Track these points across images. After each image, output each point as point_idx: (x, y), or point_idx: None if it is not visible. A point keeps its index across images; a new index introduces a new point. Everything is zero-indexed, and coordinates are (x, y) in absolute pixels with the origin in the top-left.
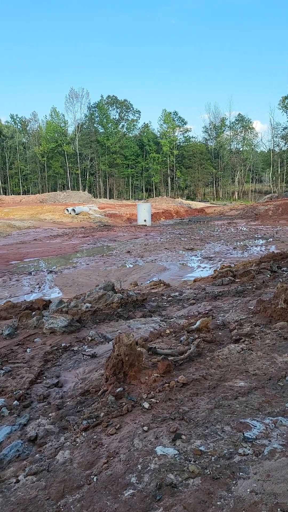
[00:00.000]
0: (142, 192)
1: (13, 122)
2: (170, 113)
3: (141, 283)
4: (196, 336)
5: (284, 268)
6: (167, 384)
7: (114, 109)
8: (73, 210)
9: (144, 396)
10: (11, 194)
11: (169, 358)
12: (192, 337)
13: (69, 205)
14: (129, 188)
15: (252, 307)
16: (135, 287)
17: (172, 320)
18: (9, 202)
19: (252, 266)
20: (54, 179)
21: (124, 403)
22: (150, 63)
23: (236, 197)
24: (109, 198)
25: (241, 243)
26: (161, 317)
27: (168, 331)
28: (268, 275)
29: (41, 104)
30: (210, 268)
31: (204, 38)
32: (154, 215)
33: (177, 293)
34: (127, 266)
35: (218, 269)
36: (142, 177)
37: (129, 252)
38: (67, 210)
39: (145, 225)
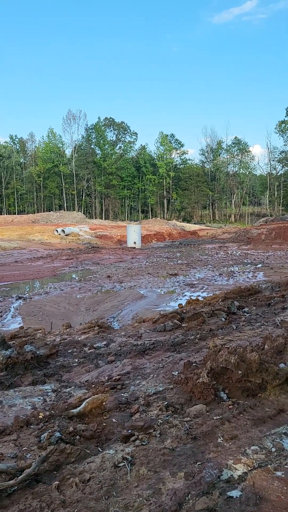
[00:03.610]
0: (139, 213)
1: (12, 143)
2: (167, 135)
3: (80, 323)
4: (71, 428)
5: (246, 309)
6: None
7: (111, 130)
8: (63, 230)
9: None
10: (6, 214)
11: None
12: (57, 434)
13: (60, 225)
14: (126, 209)
15: (177, 372)
16: (67, 329)
17: (68, 390)
18: (0, 222)
19: (219, 301)
20: (50, 199)
21: None
22: (148, 87)
23: (233, 220)
24: (105, 219)
25: (228, 269)
26: (57, 384)
27: (41, 415)
28: (223, 319)
29: (39, 125)
30: (190, 296)
31: (204, 64)
32: (146, 237)
33: (104, 343)
34: (103, 293)
35: (181, 306)
36: (138, 198)
37: (109, 277)
38: (57, 230)
39: (134, 248)
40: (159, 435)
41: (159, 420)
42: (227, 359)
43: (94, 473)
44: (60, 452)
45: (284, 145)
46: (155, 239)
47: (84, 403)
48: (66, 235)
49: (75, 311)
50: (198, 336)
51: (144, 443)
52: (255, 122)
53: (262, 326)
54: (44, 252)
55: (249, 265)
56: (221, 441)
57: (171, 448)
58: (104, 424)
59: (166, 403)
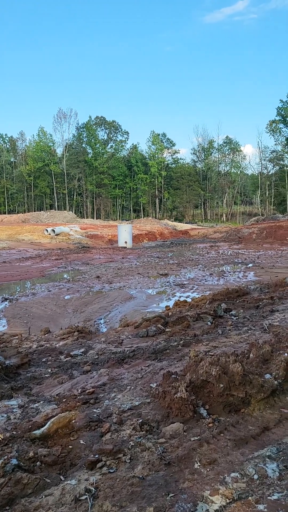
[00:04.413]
0: (130, 212)
1: (2, 142)
2: (159, 134)
3: (69, 323)
4: (31, 454)
5: (233, 312)
6: None
7: (102, 129)
8: (53, 230)
9: None
10: None
11: None
12: (14, 461)
13: (51, 225)
14: (117, 208)
15: (155, 384)
16: (45, 335)
17: (35, 406)
18: None
19: (206, 304)
20: (41, 198)
21: None
22: (140, 86)
23: (224, 219)
24: (96, 219)
25: (219, 268)
26: (25, 398)
27: (1, 437)
28: (209, 323)
29: (29, 124)
30: (180, 297)
31: (196, 63)
32: (137, 236)
33: (81, 350)
34: (91, 294)
35: (169, 308)
36: (130, 197)
37: (98, 277)
38: (47, 230)
39: (125, 247)
40: (129, 461)
41: (131, 442)
42: (207, 371)
43: (51, 509)
44: (15, 483)
45: (275, 144)
46: (147, 238)
47: (48, 422)
48: (56, 235)
49: (62, 313)
50: (181, 342)
51: (111, 471)
52: (247, 122)
53: (249, 331)
54: (33, 252)
55: (240, 264)
56: (198, 467)
57: (141, 476)
58: (70, 446)
59: (140, 420)
